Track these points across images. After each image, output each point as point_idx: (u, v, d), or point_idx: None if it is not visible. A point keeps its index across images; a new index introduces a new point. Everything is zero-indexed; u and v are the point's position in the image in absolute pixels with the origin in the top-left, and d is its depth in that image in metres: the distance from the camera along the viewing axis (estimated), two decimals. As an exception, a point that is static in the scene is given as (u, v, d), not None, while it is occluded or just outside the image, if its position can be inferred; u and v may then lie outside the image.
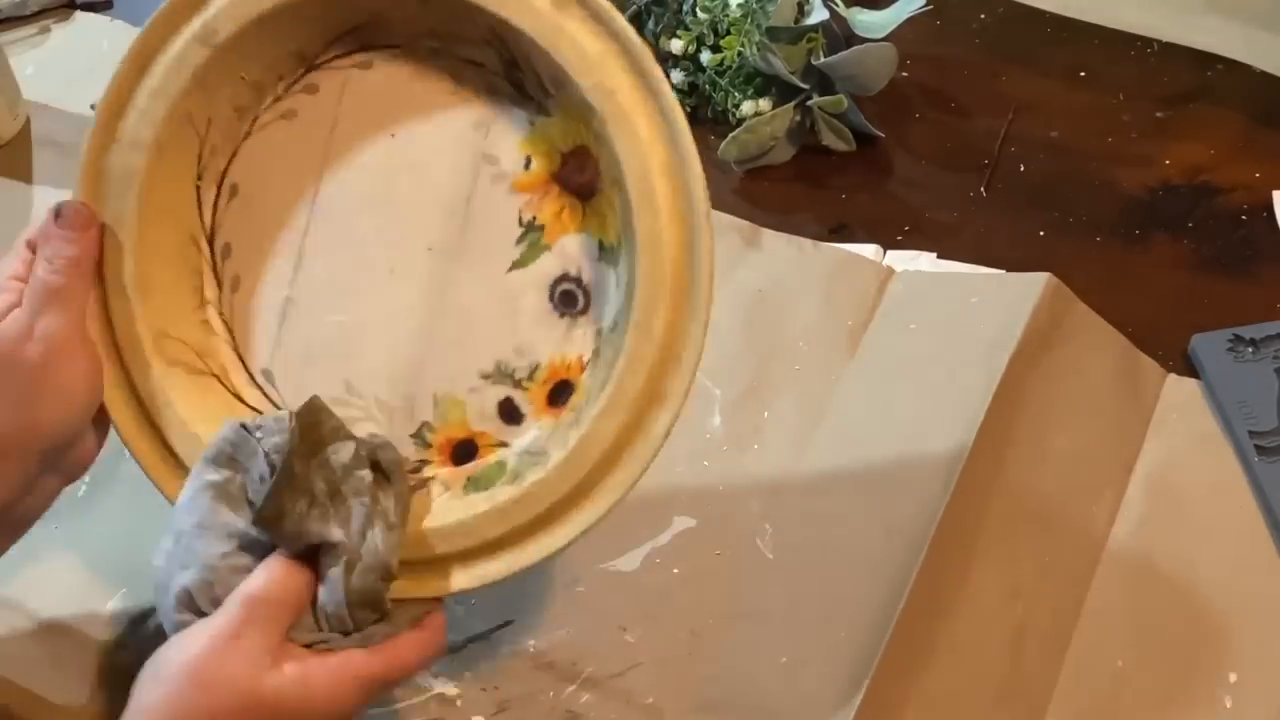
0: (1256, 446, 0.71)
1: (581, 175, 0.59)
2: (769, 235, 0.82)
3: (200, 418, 0.60)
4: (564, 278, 0.60)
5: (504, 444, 0.60)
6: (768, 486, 0.71)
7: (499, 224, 0.60)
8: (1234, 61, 0.92)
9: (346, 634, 0.54)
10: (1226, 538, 0.68)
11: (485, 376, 0.60)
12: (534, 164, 0.60)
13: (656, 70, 0.56)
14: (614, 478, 0.56)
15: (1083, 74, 0.93)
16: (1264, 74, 0.91)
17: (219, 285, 0.63)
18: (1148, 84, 0.91)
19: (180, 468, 0.60)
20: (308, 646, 0.54)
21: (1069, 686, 0.64)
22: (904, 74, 0.92)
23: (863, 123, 0.87)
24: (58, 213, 0.58)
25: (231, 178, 0.63)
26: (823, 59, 0.86)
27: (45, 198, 0.87)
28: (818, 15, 0.87)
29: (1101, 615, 0.66)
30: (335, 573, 0.54)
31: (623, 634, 0.66)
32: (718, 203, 0.84)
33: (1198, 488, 0.70)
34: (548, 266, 0.60)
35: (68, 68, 0.95)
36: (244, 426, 0.56)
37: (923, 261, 0.81)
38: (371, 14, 0.60)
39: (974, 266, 0.80)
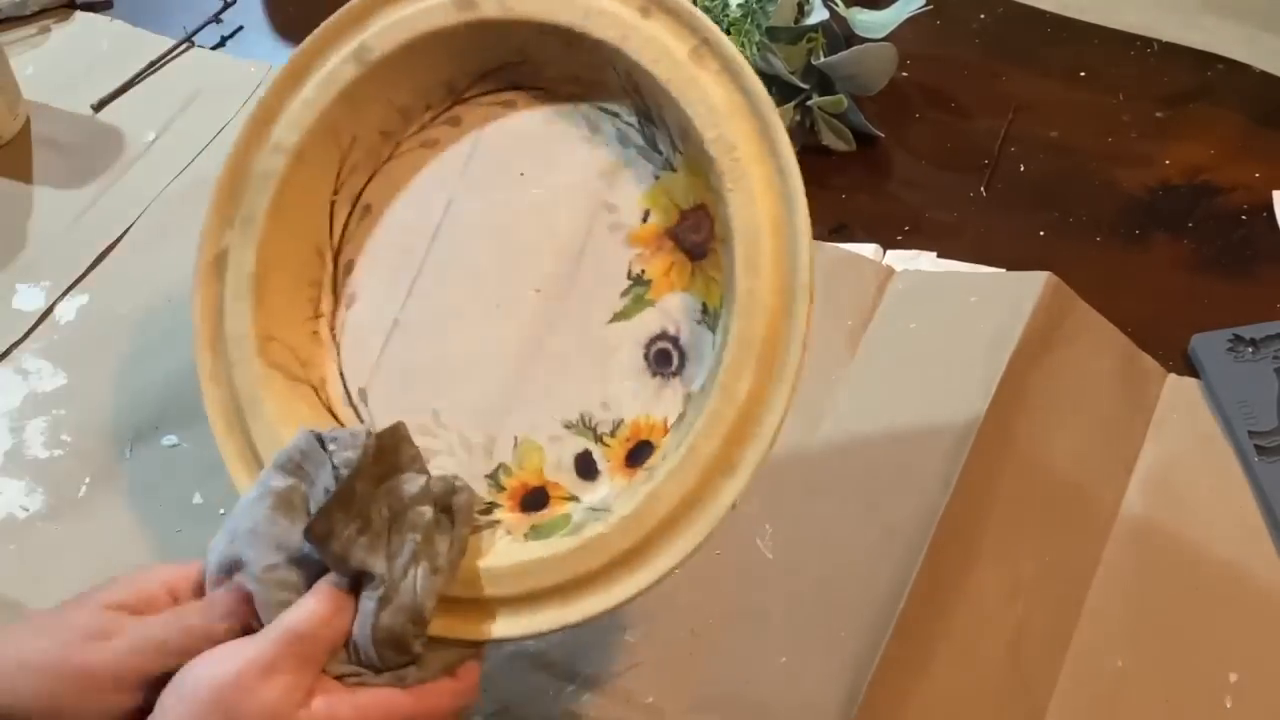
0: (1256, 446, 0.71)
1: (697, 234, 0.59)
2: (769, 235, 0.82)
3: (289, 423, 0.60)
4: (662, 335, 0.59)
5: (575, 498, 0.59)
6: (768, 486, 0.71)
7: (608, 273, 0.60)
8: (1234, 61, 0.92)
9: (377, 671, 0.53)
10: (1226, 538, 0.68)
11: (569, 426, 0.60)
12: (652, 217, 0.60)
13: (780, 130, 0.56)
14: (673, 544, 0.54)
15: (1083, 74, 0.93)
16: (1264, 74, 0.91)
17: (335, 300, 0.64)
18: (1148, 84, 0.91)
19: (259, 468, 0.60)
20: (338, 678, 0.52)
21: (1069, 686, 0.64)
22: (904, 74, 0.92)
23: (863, 123, 0.87)
24: (223, 592, 0.55)
25: (367, 198, 0.64)
26: (823, 59, 0.86)
27: (45, 198, 0.87)
28: (818, 15, 0.87)
29: (1101, 615, 0.66)
30: (369, 607, 0.52)
31: (623, 634, 0.66)
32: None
33: (1198, 488, 0.70)
34: (648, 322, 0.59)
35: (68, 68, 0.95)
36: (318, 436, 0.55)
37: (923, 261, 0.81)
38: (520, 54, 0.61)
39: (974, 266, 0.80)
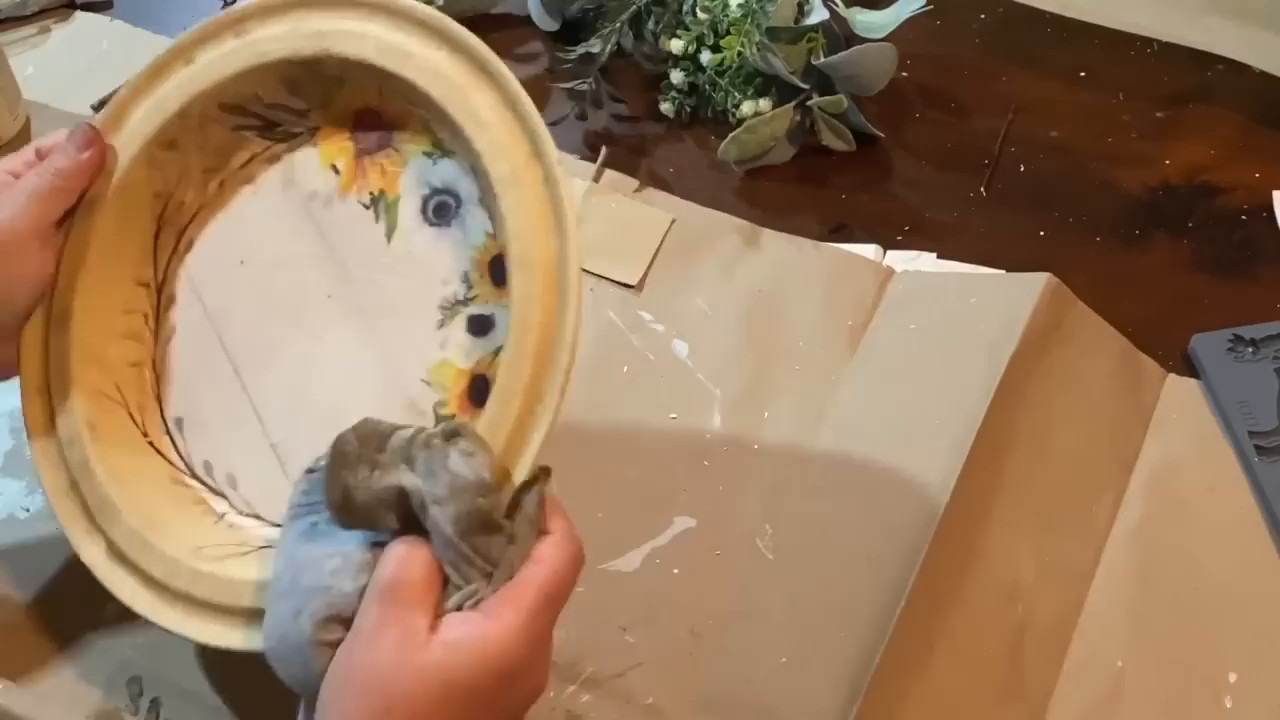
0: (1256, 446, 0.71)
1: (378, 123, 0.63)
2: (769, 235, 0.82)
3: (113, 439, 0.62)
4: (430, 195, 0.62)
5: None
6: (768, 486, 0.71)
7: (356, 228, 0.63)
8: (1234, 61, 0.92)
9: (486, 576, 0.51)
10: (1226, 538, 0.68)
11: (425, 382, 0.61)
12: (340, 163, 0.63)
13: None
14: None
15: (1083, 74, 0.93)
16: (1264, 74, 0.91)
17: (156, 330, 0.65)
18: (1148, 84, 0.91)
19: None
20: (459, 609, 0.50)
21: (1069, 686, 0.64)
22: (904, 74, 0.92)
23: (863, 123, 0.87)
24: (71, 132, 0.62)
25: (190, 233, 0.65)
26: (823, 59, 0.86)
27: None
28: (818, 15, 0.87)
29: (1101, 615, 0.66)
30: (430, 518, 0.50)
31: (623, 634, 0.66)
32: (718, 203, 0.85)
33: (1198, 488, 0.70)
34: (410, 205, 0.62)
35: (68, 68, 0.95)
36: (309, 470, 0.55)
37: (923, 261, 0.81)
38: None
39: (974, 266, 0.80)
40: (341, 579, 0.51)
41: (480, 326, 0.60)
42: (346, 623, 0.50)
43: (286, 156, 0.65)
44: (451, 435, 0.52)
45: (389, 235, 0.63)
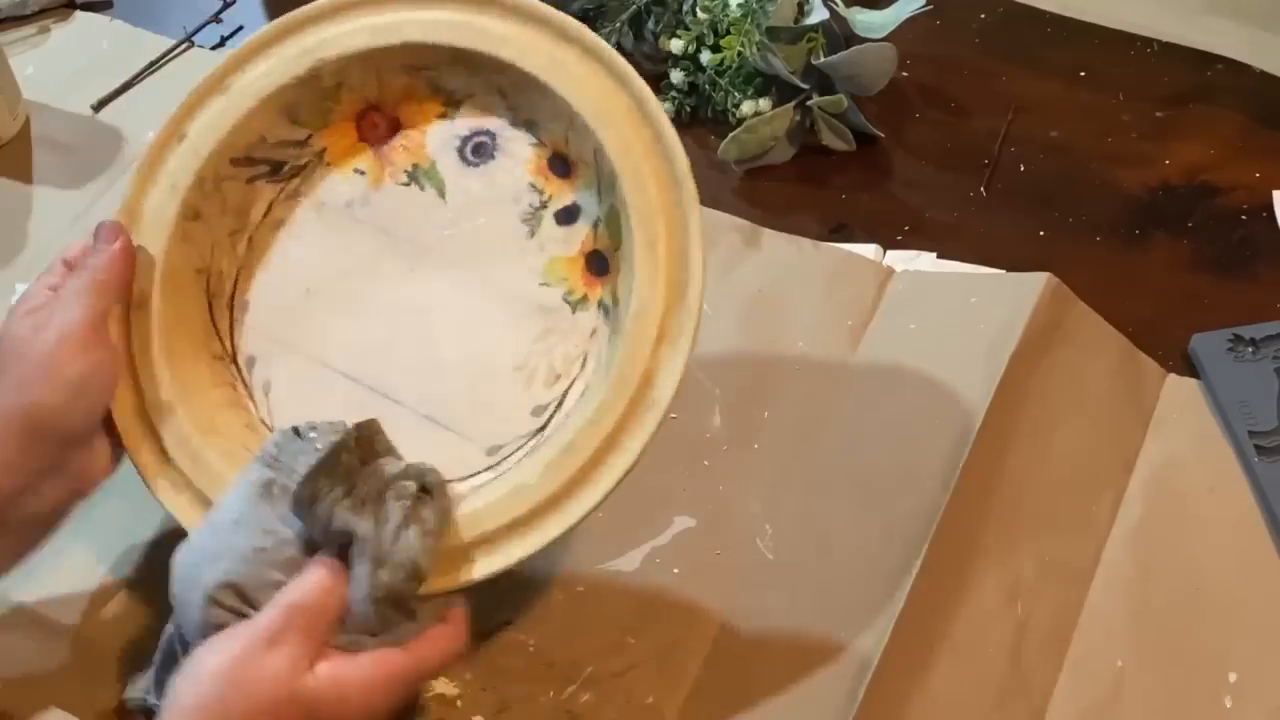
0: (1256, 446, 0.70)
1: (380, 115, 0.67)
2: (769, 235, 0.82)
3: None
4: (464, 143, 0.66)
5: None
6: (768, 486, 0.71)
7: (407, 206, 0.66)
8: (1234, 61, 0.92)
9: (374, 635, 0.54)
10: (1226, 538, 0.68)
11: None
12: (361, 164, 0.68)
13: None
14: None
15: (1083, 74, 0.93)
16: (1264, 74, 0.91)
17: (250, 394, 0.66)
18: (1148, 84, 0.91)
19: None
20: (337, 648, 0.54)
21: (1069, 686, 0.64)
22: (904, 74, 0.92)
23: (863, 123, 0.87)
24: (96, 231, 0.63)
25: (239, 299, 0.67)
26: (823, 59, 0.86)
27: (45, 198, 0.87)
28: (818, 15, 0.87)
29: (1101, 615, 0.66)
30: (361, 570, 0.54)
31: (623, 634, 0.66)
32: (718, 203, 0.85)
33: (1198, 488, 0.70)
34: (449, 161, 0.67)
35: (68, 68, 0.95)
36: (295, 429, 0.57)
37: (923, 261, 0.81)
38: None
39: (974, 266, 0.80)
40: (264, 562, 0.55)
41: (567, 216, 0.65)
42: (245, 599, 0.54)
43: (305, 189, 0.67)
44: (423, 495, 0.56)
45: (442, 194, 0.66)
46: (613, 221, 0.62)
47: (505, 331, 0.64)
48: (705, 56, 0.88)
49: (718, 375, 0.75)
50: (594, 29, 0.90)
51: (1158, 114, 0.89)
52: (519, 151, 0.65)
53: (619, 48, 0.91)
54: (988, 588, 0.66)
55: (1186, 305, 0.78)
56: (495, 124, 0.66)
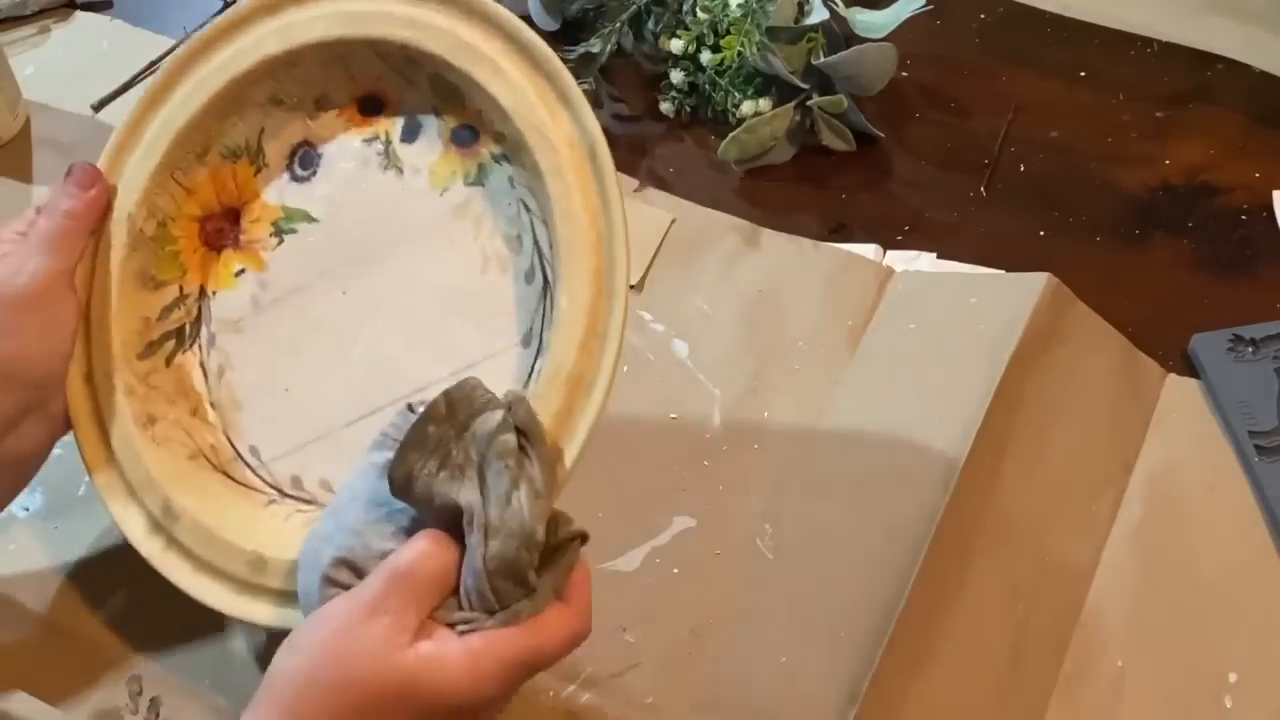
0: (1256, 446, 0.71)
1: (232, 212, 0.68)
2: (769, 235, 0.82)
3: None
4: (293, 152, 0.67)
5: None
6: (768, 486, 0.71)
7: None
8: (1234, 61, 0.92)
9: (491, 613, 0.51)
10: (1226, 538, 0.68)
11: None
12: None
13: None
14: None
15: (1083, 74, 0.93)
16: (1264, 74, 0.91)
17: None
18: (1148, 84, 0.91)
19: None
20: (451, 627, 0.51)
21: (1069, 686, 0.64)
22: (904, 74, 0.92)
23: (863, 123, 0.87)
24: (68, 172, 0.63)
25: (241, 444, 0.66)
26: (823, 59, 0.86)
27: (45, 197, 0.87)
28: (818, 15, 0.87)
29: (1101, 615, 0.66)
30: (473, 540, 0.51)
31: (623, 634, 0.66)
32: (718, 203, 0.85)
33: (1198, 488, 0.70)
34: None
35: (68, 68, 0.95)
36: (410, 408, 0.54)
37: (923, 261, 0.81)
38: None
39: (974, 266, 0.80)
40: (374, 535, 0.53)
41: (409, 132, 0.66)
42: (357, 573, 0.52)
43: (215, 326, 0.67)
44: (524, 448, 0.52)
45: (310, 218, 0.66)
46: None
47: (453, 298, 0.63)
48: (705, 56, 0.88)
49: (718, 375, 0.76)
50: (594, 29, 0.91)
51: (1158, 114, 0.89)
52: (341, 139, 0.66)
53: (619, 48, 0.92)
54: (988, 588, 0.66)
55: (1186, 305, 0.78)
56: (303, 128, 0.67)
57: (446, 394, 0.53)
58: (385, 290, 0.64)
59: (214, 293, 0.67)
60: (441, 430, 0.52)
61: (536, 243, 0.62)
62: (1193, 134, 0.88)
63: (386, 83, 0.65)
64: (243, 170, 0.67)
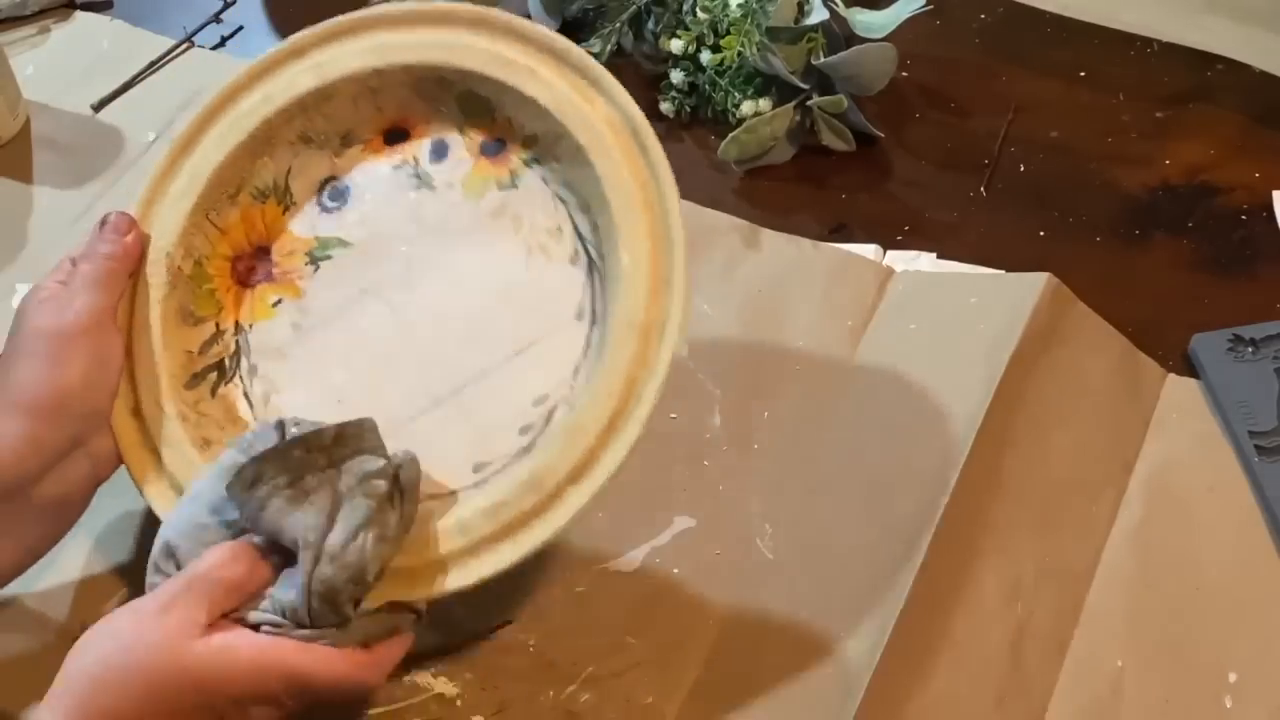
0: (1256, 446, 0.71)
1: (262, 258, 0.69)
2: (769, 235, 0.82)
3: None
4: (322, 186, 0.69)
5: None
6: (768, 486, 0.71)
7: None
8: (1234, 61, 0.92)
9: (300, 627, 0.54)
10: (1226, 538, 0.68)
11: None
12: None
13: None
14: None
15: (1083, 74, 0.93)
16: (1264, 74, 0.91)
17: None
18: (1148, 84, 0.91)
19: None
20: (255, 626, 0.54)
21: (1069, 686, 0.64)
22: (904, 74, 0.92)
23: (863, 123, 0.87)
24: (103, 221, 0.65)
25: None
26: (823, 59, 0.86)
27: (45, 197, 0.87)
28: (818, 15, 0.87)
29: (1101, 615, 0.66)
30: (304, 557, 0.54)
31: (623, 634, 0.66)
32: (718, 203, 0.85)
33: (1198, 488, 0.70)
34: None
35: (68, 68, 0.95)
36: (279, 422, 0.57)
37: (923, 261, 0.81)
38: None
39: (974, 266, 0.80)
40: (200, 540, 0.56)
41: (436, 152, 0.69)
42: (179, 566, 0.56)
43: (255, 357, 0.68)
44: (394, 496, 0.56)
45: (345, 244, 0.68)
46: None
47: (502, 291, 0.65)
48: (705, 56, 0.88)
49: (718, 375, 0.75)
50: (594, 29, 0.91)
51: (1158, 114, 0.89)
52: (368, 167, 0.69)
53: (619, 48, 0.92)
54: (988, 588, 0.66)
55: (1186, 305, 0.78)
56: (329, 164, 0.69)
57: (339, 427, 0.56)
58: (432, 295, 0.66)
59: (250, 326, 0.68)
60: (310, 457, 0.55)
61: (576, 229, 0.65)
62: (1193, 134, 0.88)
63: (412, 110, 0.68)
64: (271, 210, 0.69)
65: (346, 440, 0.56)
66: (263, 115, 0.67)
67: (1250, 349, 0.75)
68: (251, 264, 0.68)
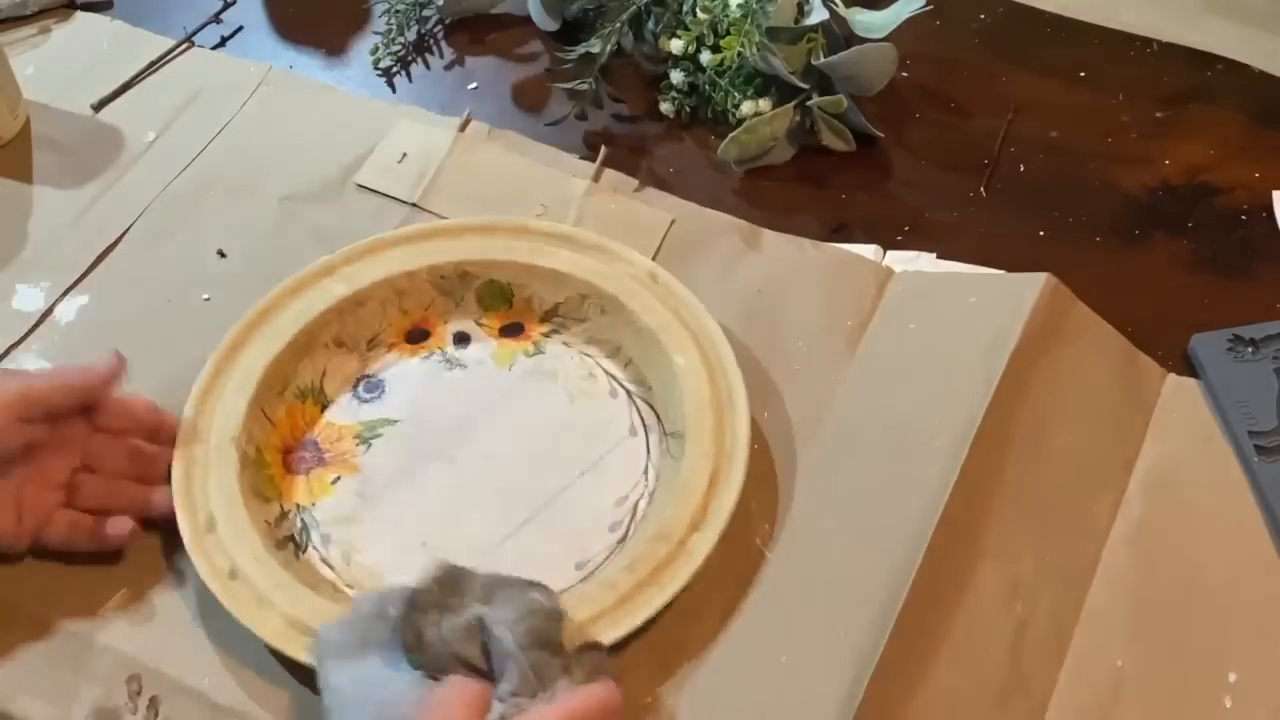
0: (1256, 446, 0.71)
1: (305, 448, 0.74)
2: (769, 235, 0.82)
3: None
4: (357, 382, 0.76)
5: None
6: (768, 486, 0.71)
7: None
8: (1234, 61, 0.92)
9: (533, 695, 0.56)
10: (1226, 538, 0.68)
11: None
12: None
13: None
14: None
15: (1083, 74, 0.93)
16: (1264, 74, 0.91)
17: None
18: (1148, 84, 0.91)
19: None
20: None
21: (1069, 686, 0.64)
22: (904, 74, 0.92)
23: (863, 123, 0.87)
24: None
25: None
26: (823, 59, 0.86)
27: (45, 197, 0.87)
28: (818, 15, 0.87)
29: (1101, 615, 0.66)
30: (500, 630, 0.57)
31: (623, 634, 0.66)
32: (718, 203, 0.85)
33: (1198, 488, 0.70)
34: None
35: (68, 68, 0.95)
36: (373, 611, 0.59)
37: (923, 262, 0.81)
38: None
39: (974, 267, 0.80)
40: (407, 694, 0.56)
41: (459, 339, 0.78)
42: None
43: (330, 537, 0.70)
44: (533, 584, 0.59)
45: (391, 422, 0.74)
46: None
47: (555, 428, 0.73)
48: (705, 57, 0.88)
49: (718, 375, 0.75)
50: (594, 29, 0.91)
51: (1157, 114, 0.90)
52: (397, 364, 0.76)
53: (619, 48, 0.92)
54: (988, 587, 0.66)
55: (1186, 305, 0.78)
56: (359, 364, 0.76)
57: (437, 573, 0.59)
58: (490, 445, 0.73)
59: (314, 504, 0.71)
60: (435, 595, 0.58)
61: (606, 371, 0.75)
62: (1192, 134, 0.88)
63: (433, 310, 0.77)
64: (310, 409, 0.74)
65: (445, 584, 0.59)
66: (303, 321, 0.73)
67: (1250, 349, 0.75)
68: (302, 455, 0.73)
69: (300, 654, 0.61)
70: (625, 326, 0.75)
